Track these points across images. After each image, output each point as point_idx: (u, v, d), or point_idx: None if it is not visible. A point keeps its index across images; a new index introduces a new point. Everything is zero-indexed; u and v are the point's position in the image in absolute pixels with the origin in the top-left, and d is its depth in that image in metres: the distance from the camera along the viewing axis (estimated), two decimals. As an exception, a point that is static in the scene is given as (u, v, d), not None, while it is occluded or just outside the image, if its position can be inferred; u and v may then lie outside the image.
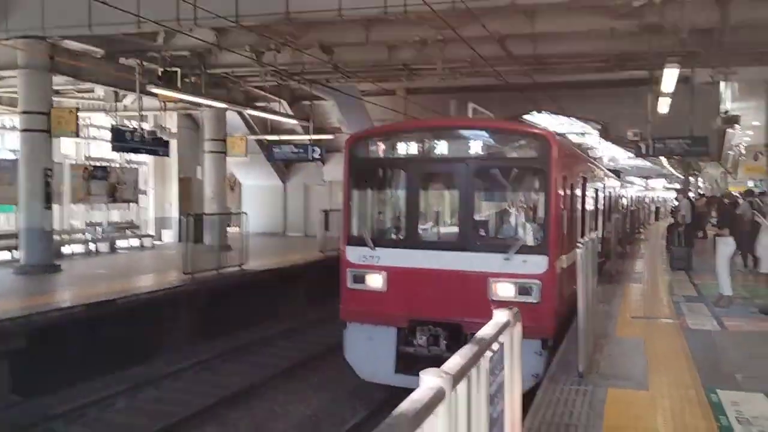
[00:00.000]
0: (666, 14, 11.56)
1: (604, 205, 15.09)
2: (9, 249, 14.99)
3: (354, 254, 8.71)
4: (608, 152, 32.62)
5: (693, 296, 10.88)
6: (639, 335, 7.88)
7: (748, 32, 12.64)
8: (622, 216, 17.69)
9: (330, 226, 17.31)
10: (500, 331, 2.35)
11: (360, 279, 8.62)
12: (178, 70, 14.72)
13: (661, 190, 56.60)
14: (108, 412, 8.89)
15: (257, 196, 25.60)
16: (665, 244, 18.48)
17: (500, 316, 2.44)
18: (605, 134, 25.01)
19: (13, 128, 17.94)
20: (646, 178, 48.70)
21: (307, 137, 20.44)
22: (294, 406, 9.24)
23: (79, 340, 9.90)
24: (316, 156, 19.92)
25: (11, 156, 16.96)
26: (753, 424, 4.85)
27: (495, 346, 2.27)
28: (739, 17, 11.60)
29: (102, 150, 20.38)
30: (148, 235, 20.54)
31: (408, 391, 1.74)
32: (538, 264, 7.87)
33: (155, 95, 15.45)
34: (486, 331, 2.28)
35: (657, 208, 44.15)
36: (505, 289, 7.91)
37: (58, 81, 14.53)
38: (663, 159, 32.69)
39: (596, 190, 13.54)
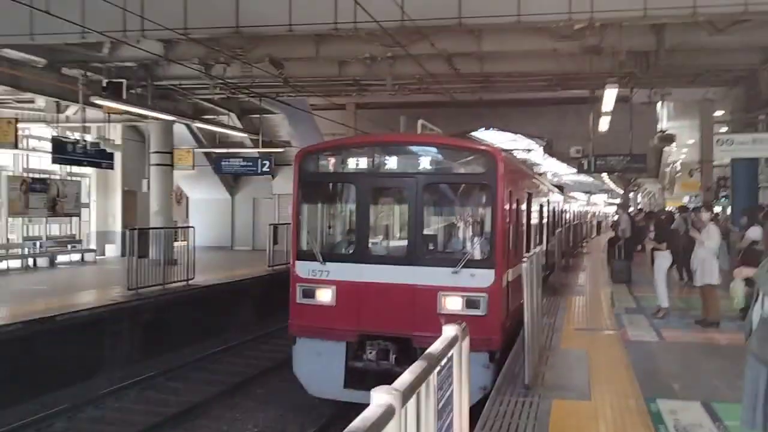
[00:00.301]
0: (605, 37, 12.07)
1: (548, 219, 15.49)
2: (-61, 264, 14.31)
3: (303, 269, 8.68)
4: (552, 168, 33.50)
5: (633, 308, 11.27)
6: (582, 347, 8.12)
7: (682, 55, 13.31)
8: (565, 230, 18.18)
9: (279, 240, 17.19)
10: (449, 347, 2.42)
11: (309, 293, 8.59)
12: (124, 81, 14.43)
13: (603, 205, 58.36)
14: (46, 434, 8.56)
15: (205, 209, 25.24)
16: (606, 257, 19.06)
17: (449, 331, 2.50)
18: (549, 150, 25.71)
19: (-54, 138, 17.17)
20: (589, 193, 50.14)
21: (256, 150, 20.31)
22: (241, 424, 9.09)
23: (15, 359, 9.51)
24: (265, 169, 19.81)
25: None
26: None
27: (444, 362, 2.33)
28: (674, 41, 12.21)
29: (42, 162, 19.72)
30: (90, 250, 19.93)
31: (357, 406, 1.77)
32: (485, 277, 8.01)
33: (99, 106, 15.09)
34: (435, 346, 2.34)
35: (599, 223, 45.47)
36: (453, 303, 8.01)
37: (-4, 90, 14.06)
38: (604, 175, 33.85)
39: (541, 205, 13.89)
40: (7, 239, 18.25)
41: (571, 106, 19.86)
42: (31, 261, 17.56)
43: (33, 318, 10.00)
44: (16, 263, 17.12)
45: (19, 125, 14.31)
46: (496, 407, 5.70)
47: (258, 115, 20.22)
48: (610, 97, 13.89)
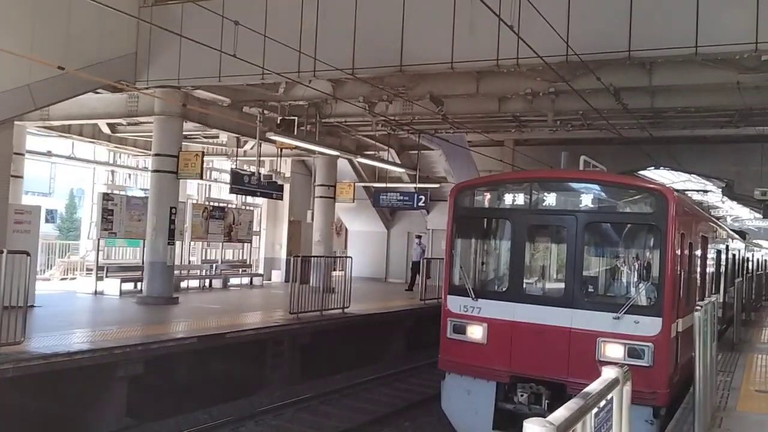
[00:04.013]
0: (799, 68, 10.89)
1: (726, 267, 14.09)
2: (134, 281, 16.11)
3: (455, 304, 8.63)
4: (732, 212, 30.61)
5: (829, 373, 9.81)
6: (764, 411, 7.20)
7: None
8: (747, 280, 16.41)
9: (431, 274, 17.29)
10: (608, 389, 2.26)
11: (460, 329, 8.50)
12: (296, 118, 15.53)
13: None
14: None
15: (362, 241, 26.14)
16: (797, 313, 16.89)
17: (608, 373, 2.34)
18: (729, 192, 23.52)
19: (145, 169, 19.54)
20: (776, 240, 44.99)
21: (413, 185, 20.75)
22: (388, 455, 9.15)
23: (189, 371, 10.40)
24: (421, 204, 20.12)
25: (141, 194, 18.42)
26: None
27: (602, 404, 2.18)
28: None
29: (222, 192, 21.70)
30: (258, 274, 21.43)
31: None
32: (651, 326, 7.44)
33: (273, 142, 16.35)
34: (593, 386, 2.20)
35: (788, 274, 40.51)
36: (614, 350, 7.51)
37: (188, 127, 15.74)
38: (796, 221, 30.18)
39: (718, 251, 12.69)
40: (189, 261, 20.17)
41: (757, 144, 18.09)
42: (207, 282, 19.23)
43: (206, 334, 10.90)
44: (194, 283, 18.85)
45: (205, 158, 15.86)
46: (660, 468, 5.19)
47: (416, 151, 20.70)
48: (803, 133, 12.47)
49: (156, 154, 14.61)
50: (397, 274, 25.29)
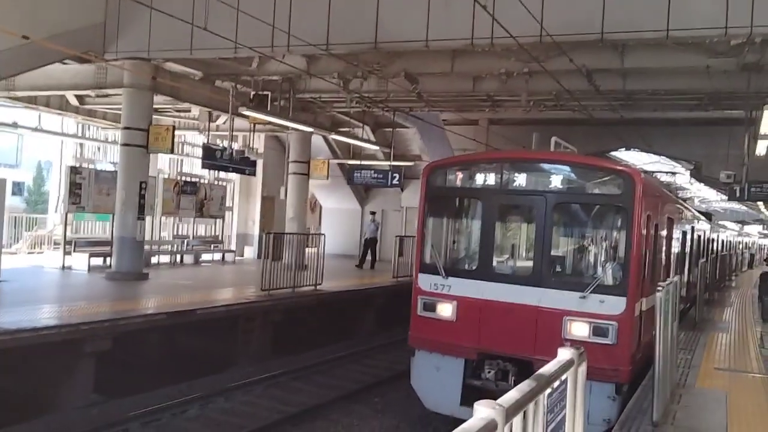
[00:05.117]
0: (767, 53, 11.07)
1: (691, 248, 14.42)
2: (103, 256, 15.91)
3: (425, 282, 8.71)
4: (700, 193, 31.20)
5: (786, 351, 10.17)
6: (722, 388, 7.44)
7: None
8: (711, 261, 16.82)
9: (404, 252, 17.39)
10: (563, 370, 2.32)
11: (430, 307, 8.60)
12: (269, 93, 15.37)
13: (757, 237, 53.38)
14: (178, 420, 9.19)
15: (336, 218, 26.12)
16: (758, 293, 17.38)
17: (564, 354, 2.40)
18: (697, 175, 23.96)
19: (114, 142, 19.21)
20: (741, 222, 46.10)
21: (387, 163, 20.73)
22: (358, 429, 9.26)
23: (159, 347, 10.36)
24: (395, 182, 20.12)
25: (111, 168, 18.12)
26: None
27: (556, 384, 2.24)
28: None
29: (194, 166, 21.43)
30: (231, 251, 21.32)
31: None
32: (615, 305, 7.61)
33: (246, 117, 16.16)
34: (547, 368, 2.25)
35: (752, 255, 41.63)
36: (579, 329, 7.68)
37: (158, 100, 15.46)
38: (760, 204, 30.90)
39: (683, 233, 12.96)
40: (160, 236, 19.96)
41: (724, 128, 18.39)
42: (178, 257, 19.07)
43: (176, 310, 10.84)
44: (165, 258, 18.69)
45: (176, 132, 15.62)
46: (619, 443, 5.36)
47: (391, 129, 20.65)
48: (769, 118, 12.69)
49: (125, 128, 14.35)
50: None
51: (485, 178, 8.60)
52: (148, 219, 16.19)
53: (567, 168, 8.29)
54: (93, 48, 13.16)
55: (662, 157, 23.87)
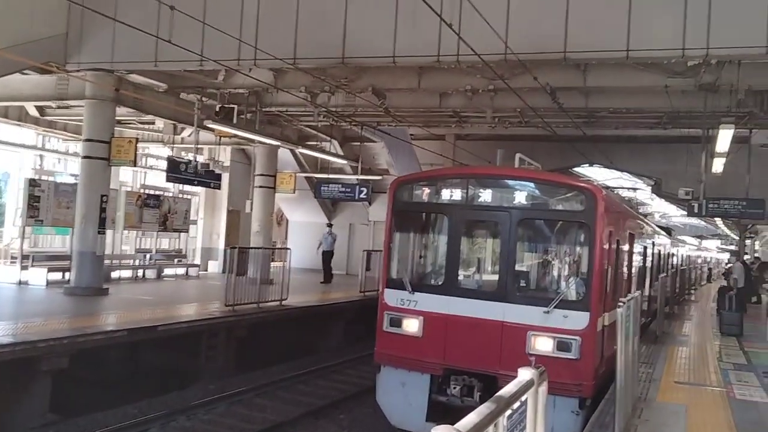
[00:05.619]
0: (723, 74, 11.42)
1: (652, 263, 14.71)
2: (61, 270, 15.50)
3: (392, 297, 8.70)
4: (660, 209, 31.94)
5: (743, 364, 10.42)
6: (681, 401, 7.57)
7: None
8: (671, 275, 17.18)
9: (372, 267, 17.35)
10: (523, 390, 2.32)
11: (396, 322, 8.58)
12: (235, 106, 15.25)
13: (715, 251, 54.80)
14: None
15: (303, 232, 25.96)
16: (716, 307, 17.81)
17: (524, 374, 2.41)
18: (658, 191, 24.54)
19: (75, 154, 18.79)
20: (700, 237, 47.31)
21: (355, 177, 20.73)
22: (322, 447, 9.16)
23: (119, 364, 10.11)
24: (363, 196, 20.10)
25: (71, 180, 17.71)
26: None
27: (516, 405, 2.24)
28: (800, 80, 11.38)
29: (158, 179, 21.09)
30: (194, 265, 20.98)
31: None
32: (579, 320, 7.70)
33: (212, 130, 15.99)
34: (507, 389, 2.26)
35: (710, 270, 42.69)
36: (543, 344, 7.74)
37: (121, 112, 15.21)
38: (718, 220, 31.78)
39: (644, 248, 13.23)
40: (121, 250, 19.55)
41: (683, 145, 18.89)
42: (140, 272, 18.69)
43: (137, 326, 10.60)
44: (127, 273, 18.29)
45: (139, 145, 15.36)
46: (582, 458, 5.39)
47: (359, 143, 20.67)
48: (725, 137, 13.06)
49: (87, 140, 14.05)
50: (338, 266, 25.16)
51: (451, 194, 8.66)
52: (109, 233, 15.85)
53: (531, 184, 8.40)
54: (54, 59, 12.92)
55: (624, 173, 24.42)
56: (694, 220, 32.85)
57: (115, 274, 17.44)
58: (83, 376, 9.38)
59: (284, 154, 21.08)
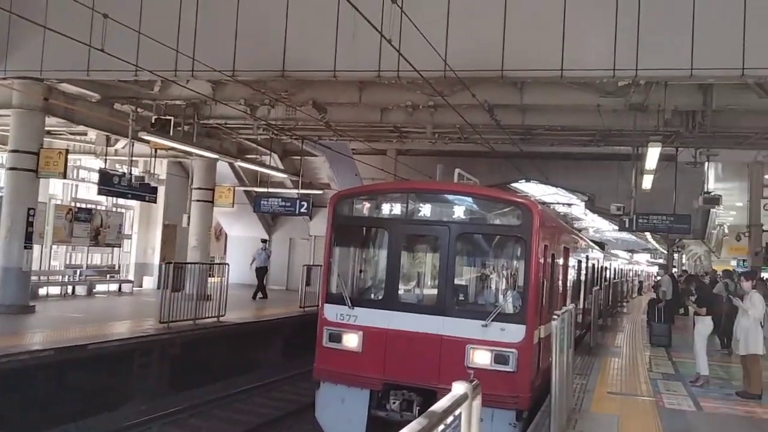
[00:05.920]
0: (651, 95, 11.95)
1: (586, 276, 15.14)
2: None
3: (332, 312, 8.62)
4: (594, 224, 32.97)
5: (671, 374, 10.82)
6: (614, 412, 7.78)
7: (729, 116, 13.08)
8: (604, 288, 17.73)
9: (312, 282, 17.18)
10: (456, 405, 2.32)
11: (336, 338, 8.51)
12: (172, 118, 14.88)
13: (645, 265, 56.94)
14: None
15: (242, 247, 25.49)
16: (646, 318, 18.47)
17: (458, 388, 2.41)
18: (591, 206, 25.34)
19: (0, 166, 17.93)
20: (631, 251, 49.06)
21: (295, 191, 20.55)
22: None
23: (45, 385, 9.62)
24: (303, 210, 19.91)
25: (-4, 193, 16.86)
26: None
27: (450, 420, 2.23)
28: (721, 102, 12.02)
29: (90, 192, 20.34)
30: (128, 281, 20.28)
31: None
32: (515, 333, 7.82)
33: (147, 142, 15.56)
34: (440, 404, 2.25)
35: (640, 282, 44.29)
36: (481, 357, 7.82)
37: (51, 122, 14.63)
38: (648, 234, 33.08)
39: (579, 261, 13.60)
40: (49, 266, 18.71)
41: (615, 162, 19.62)
42: (70, 288, 17.93)
43: (65, 345, 10.13)
44: (55, 290, 17.50)
45: (71, 156, 14.80)
46: (518, 470, 5.45)
47: (299, 157, 20.54)
48: (653, 155, 13.65)
49: (13, 151, 13.44)
50: (278, 281, 24.91)
51: (391, 208, 8.69)
52: (36, 248, 15.15)
53: (469, 199, 8.52)
54: (-22, 65, 12.33)
55: (559, 188, 25.10)
56: (626, 235, 34.03)
57: (42, 291, 16.67)
58: (5, 398, 8.88)
59: (223, 167, 20.72)
